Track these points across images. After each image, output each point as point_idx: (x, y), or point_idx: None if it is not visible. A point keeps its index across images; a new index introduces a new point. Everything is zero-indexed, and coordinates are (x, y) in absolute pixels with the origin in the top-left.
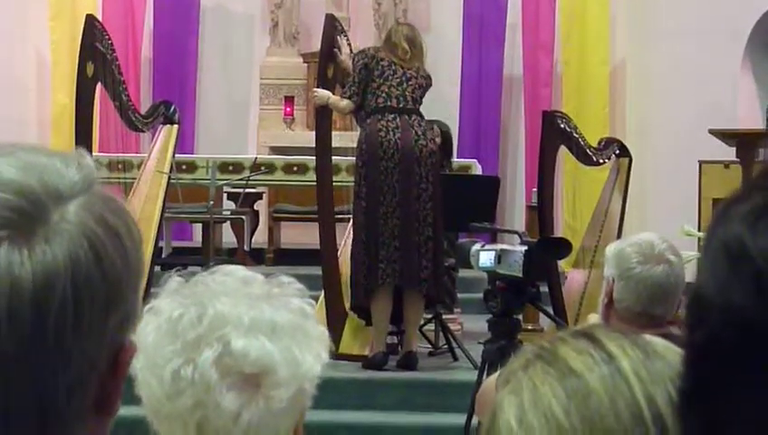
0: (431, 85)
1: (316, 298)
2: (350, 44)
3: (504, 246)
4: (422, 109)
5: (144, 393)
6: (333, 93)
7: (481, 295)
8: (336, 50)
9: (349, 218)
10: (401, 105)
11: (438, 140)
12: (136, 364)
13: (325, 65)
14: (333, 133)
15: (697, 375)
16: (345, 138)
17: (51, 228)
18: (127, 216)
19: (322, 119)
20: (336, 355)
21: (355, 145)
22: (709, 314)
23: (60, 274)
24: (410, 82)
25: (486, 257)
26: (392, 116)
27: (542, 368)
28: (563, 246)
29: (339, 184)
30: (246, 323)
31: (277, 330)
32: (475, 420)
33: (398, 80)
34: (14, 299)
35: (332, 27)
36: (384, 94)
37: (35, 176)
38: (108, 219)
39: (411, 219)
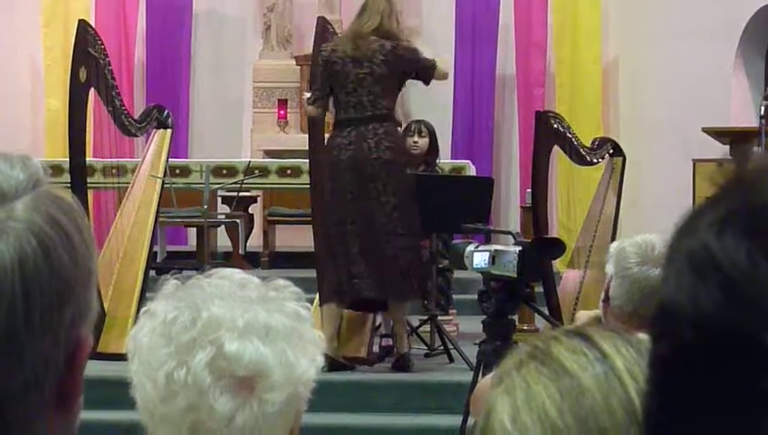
0: (403, 55)
1: (312, 301)
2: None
3: (498, 247)
4: (415, 111)
5: (139, 396)
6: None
7: (476, 296)
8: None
9: None
10: (358, 115)
11: (397, 143)
12: (131, 367)
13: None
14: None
15: (664, 390)
16: None
17: None
18: (76, 214)
19: (314, 125)
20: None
21: None
22: (676, 324)
23: (7, 270)
24: (365, 83)
25: (480, 258)
26: (348, 130)
27: (536, 367)
28: (557, 247)
29: None
30: (240, 326)
31: (271, 333)
32: (470, 422)
33: (352, 85)
34: None
35: (324, 30)
36: (342, 104)
37: None
38: (56, 217)
39: (377, 235)
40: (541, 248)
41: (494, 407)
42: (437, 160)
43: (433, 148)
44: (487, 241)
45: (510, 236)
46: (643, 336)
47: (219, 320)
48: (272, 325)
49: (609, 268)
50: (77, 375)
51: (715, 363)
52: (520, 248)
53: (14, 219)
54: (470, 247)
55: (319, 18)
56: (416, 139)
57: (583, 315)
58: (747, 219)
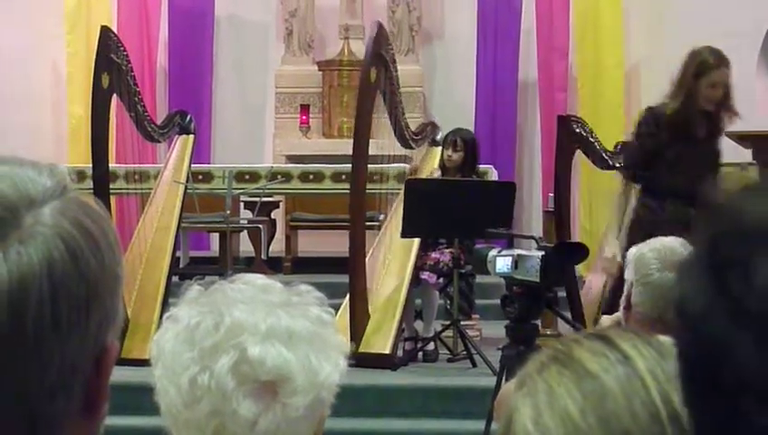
0: None
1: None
2: (393, 54)
3: (521, 252)
4: (437, 115)
5: (162, 401)
6: (374, 98)
7: (498, 301)
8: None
9: (378, 226)
10: None
11: None
12: (155, 372)
13: (368, 68)
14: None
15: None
16: (379, 145)
17: (25, 231)
18: (103, 220)
19: (361, 124)
20: (357, 354)
21: (388, 152)
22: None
23: (36, 274)
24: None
25: (503, 263)
26: None
27: (558, 370)
28: (580, 251)
29: (371, 191)
30: (263, 331)
31: (294, 338)
32: (494, 426)
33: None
34: None
35: (381, 35)
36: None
37: (8, 183)
38: (83, 222)
39: None
40: (564, 253)
41: (517, 409)
42: (475, 169)
43: (468, 160)
44: (510, 246)
45: (532, 241)
46: (663, 338)
47: (242, 324)
48: (294, 330)
49: (629, 274)
50: (103, 381)
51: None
52: (543, 253)
53: (43, 224)
54: (493, 252)
55: (376, 22)
56: (450, 153)
57: (606, 320)
58: (706, 258)
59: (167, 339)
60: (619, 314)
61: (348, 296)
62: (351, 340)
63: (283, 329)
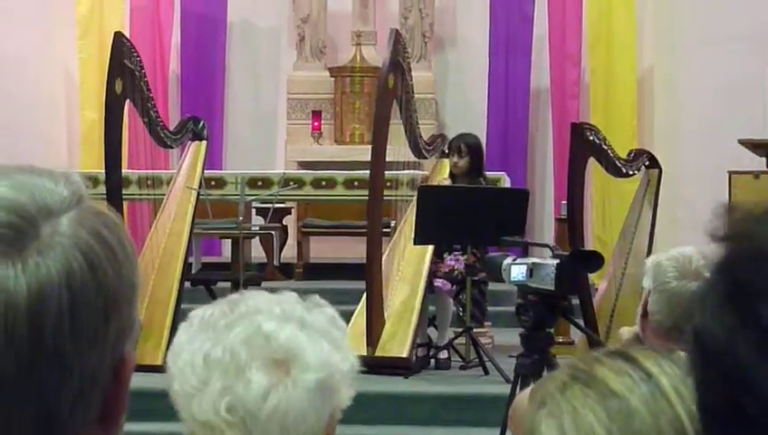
0: None
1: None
2: (409, 62)
3: (536, 260)
4: (449, 122)
5: (178, 385)
6: (391, 106)
7: (510, 309)
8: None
9: (392, 231)
10: None
11: None
12: (171, 367)
13: (387, 75)
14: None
15: None
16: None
17: (43, 242)
18: (119, 229)
19: (378, 131)
20: (374, 358)
21: (408, 159)
22: (729, 380)
23: (54, 285)
24: None
25: (518, 271)
26: None
27: (581, 390)
28: (595, 259)
29: (388, 198)
30: (277, 313)
31: (307, 325)
32: None
33: None
34: (9, 313)
35: (399, 43)
36: None
37: (26, 193)
38: (101, 232)
39: None
40: (579, 261)
41: (539, 431)
42: (482, 173)
43: (474, 165)
44: (525, 254)
45: (546, 249)
46: (684, 354)
47: (258, 307)
48: (308, 320)
49: (647, 283)
50: (122, 391)
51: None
52: (558, 261)
53: (60, 234)
54: (507, 260)
55: (393, 30)
56: (455, 159)
57: (626, 332)
58: (725, 289)
59: (181, 333)
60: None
61: (361, 302)
62: (368, 344)
63: (297, 316)
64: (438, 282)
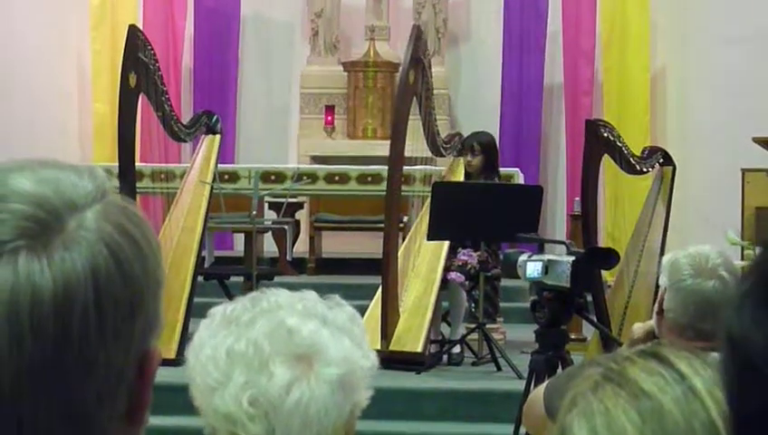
0: None
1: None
2: (430, 59)
3: (552, 257)
4: (461, 118)
5: (200, 379)
6: (410, 102)
7: (523, 305)
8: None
9: (407, 227)
10: None
11: None
12: (190, 360)
13: (408, 70)
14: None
15: None
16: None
17: (68, 236)
18: (143, 223)
19: (398, 126)
20: (388, 352)
21: (423, 155)
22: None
23: (80, 280)
24: None
25: (533, 268)
26: None
27: (613, 390)
28: (611, 257)
29: (405, 193)
30: (300, 309)
31: (329, 322)
32: (522, 431)
33: None
34: (35, 308)
35: (420, 39)
36: None
37: (51, 187)
38: (125, 226)
39: None
40: (595, 258)
41: (571, 431)
42: (497, 171)
43: (488, 163)
44: (541, 251)
45: (561, 246)
46: (716, 355)
47: (279, 303)
48: (329, 317)
49: (663, 280)
50: (146, 387)
51: None
52: (573, 258)
53: (86, 229)
54: (523, 257)
55: (415, 26)
56: (469, 158)
57: (638, 328)
58: (766, 296)
59: (202, 329)
60: (651, 323)
61: (376, 296)
62: (383, 338)
63: (319, 313)
64: (452, 274)
